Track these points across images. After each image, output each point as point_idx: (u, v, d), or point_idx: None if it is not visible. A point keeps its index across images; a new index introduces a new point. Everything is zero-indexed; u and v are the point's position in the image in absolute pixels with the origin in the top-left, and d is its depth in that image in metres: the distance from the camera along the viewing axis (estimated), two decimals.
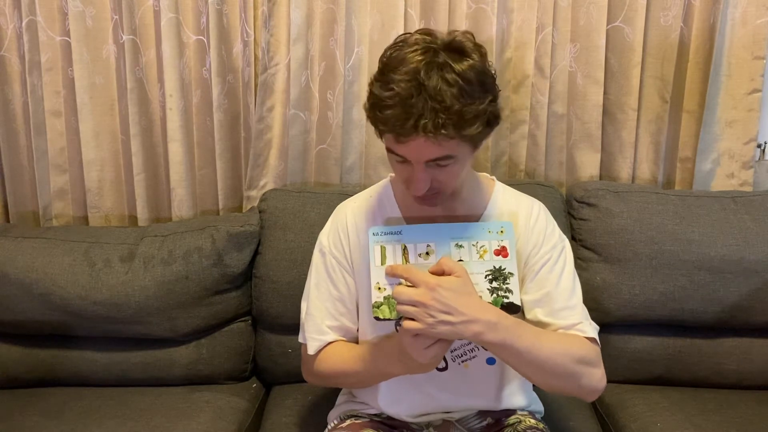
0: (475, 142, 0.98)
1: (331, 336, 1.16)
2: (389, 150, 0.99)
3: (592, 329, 1.09)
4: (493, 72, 0.98)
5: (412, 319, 0.94)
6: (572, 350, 1.05)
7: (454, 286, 0.96)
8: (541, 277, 1.10)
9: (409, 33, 0.99)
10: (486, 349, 1.09)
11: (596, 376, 1.06)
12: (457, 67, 0.91)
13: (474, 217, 1.13)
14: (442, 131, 0.90)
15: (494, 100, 0.97)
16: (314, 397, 1.47)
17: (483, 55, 0.97)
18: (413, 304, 0.94)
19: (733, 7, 1.58)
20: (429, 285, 0.94)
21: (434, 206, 1.06)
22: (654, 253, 1.47)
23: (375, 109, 0.94)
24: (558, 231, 1.17)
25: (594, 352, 1.07)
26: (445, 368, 1.14)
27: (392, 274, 1.00)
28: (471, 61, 0.93)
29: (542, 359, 1.01)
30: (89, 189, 1.71)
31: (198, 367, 1.54)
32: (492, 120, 0.97)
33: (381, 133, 0.99)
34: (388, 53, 0.96)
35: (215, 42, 1.59)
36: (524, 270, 1.12)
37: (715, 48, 1.58)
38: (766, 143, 1.73)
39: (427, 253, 1.01)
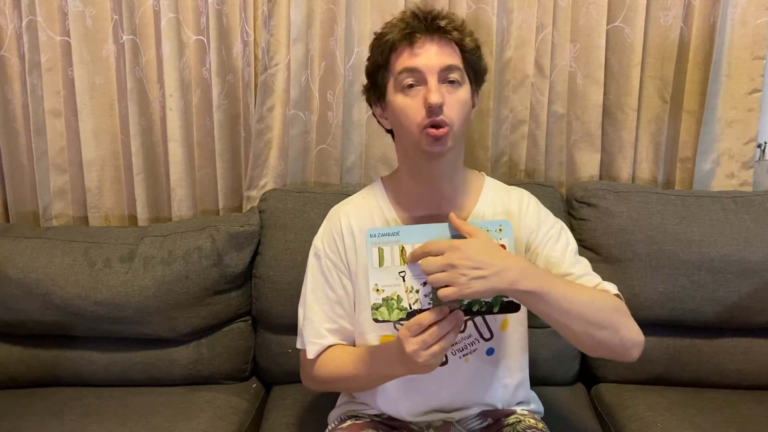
0: (472, 69, 1.08)
1: (330, 339, 1.16)
2: (402, 72, 1.04)
3: (613, 287, 1.10)
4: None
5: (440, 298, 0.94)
6: (606, 299, 1.05)
7: (478, 242, 0.96)
8: (547, 254, 1.12)
9: None
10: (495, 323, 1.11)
11: (634, 327, 1.04)
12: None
13: (468, 207, 1.14)
14: (453, 31, 1.04)
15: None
16: (314, 397, 1.47)
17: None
18: (443, 269, 0.93)
19: (733, 7, 1.58)
20: (452, 247, 0.94)
21: (443, 150, 1.05)
22: (654, 253, 1.47)
23: (386, 34, 1.06)
24: (551, 215, 1.19)
25: (623, 304, 1.07)
26: (445, 363, 1.14)
27: (412, 260, 0.98)
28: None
29: (580, 307, 0.99)
30: (89, 189, 1.70)
31: (198, 367, 1.54)
32: (482, 55, 1.10)
33: (389, 69, 1.07)
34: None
35: (215, 42, 1.59)
36: (528, 256, 1.14)
37: (715, 48, 1.58)
38: (766, 143, 1.73)
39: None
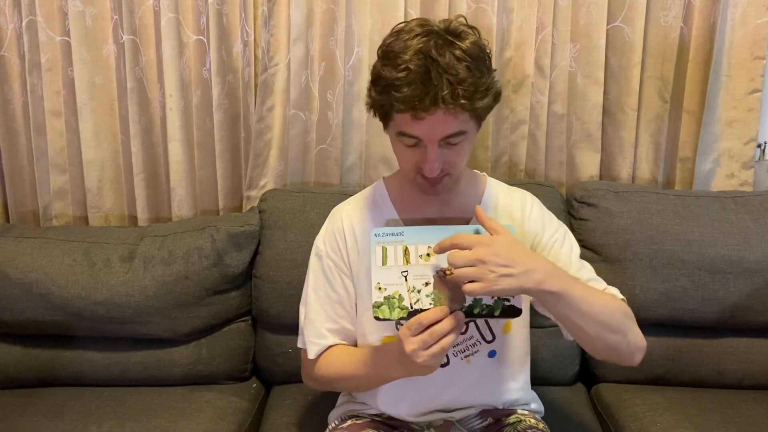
0: (481, 118, 1.02)
1: (331, 339, 1.16)
2: (402, 133, 1.00)
3: (617, 292, 1.11)
4: (488, 51, 1.02)
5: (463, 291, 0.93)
6: (617, 304, 1.06)
7: (507, 239, 0.96)
8: (554, 258, 1.12)
9: (405, 22, 1.01)
10: (498, 328, 1.11)
11: (639, 333, 1.06)
12: (462, 44, 0.96)
13: (470, 210, 1.13)
14: (461, 101, 0.93)
15: (495, 76, 1.01)
16: (314, 397, 1.47)
17: (478, 34, 1.01)
18: (471, 263, 0.92)
19: (733, 7, 1.58)
20: (483, 242, 0.93)
21: (438, 193, 1.06)
22: (654, 253, 1.47)
23: (389, 90, 0.95)
24: (555, 218, 1.20)
25: (630, 309, 1.08)
26: (447, 364, 1.14)
27: (440, 250, 0.97)
28: (472, 38, 0.98)
29: (596, 309, 1.00)
30: (89, 189, 1.71)
31: (198, 367, 1.54)
32: (497, 94, 1.01)
33: (390, 116, 1.00)
34: (388, 42, 0.99)
35: (215, 42, 1.59)
36: None
37: (715, 48, 1.58)
38: (766, 143, 1.73)
39: (428, 255, 1.01)
